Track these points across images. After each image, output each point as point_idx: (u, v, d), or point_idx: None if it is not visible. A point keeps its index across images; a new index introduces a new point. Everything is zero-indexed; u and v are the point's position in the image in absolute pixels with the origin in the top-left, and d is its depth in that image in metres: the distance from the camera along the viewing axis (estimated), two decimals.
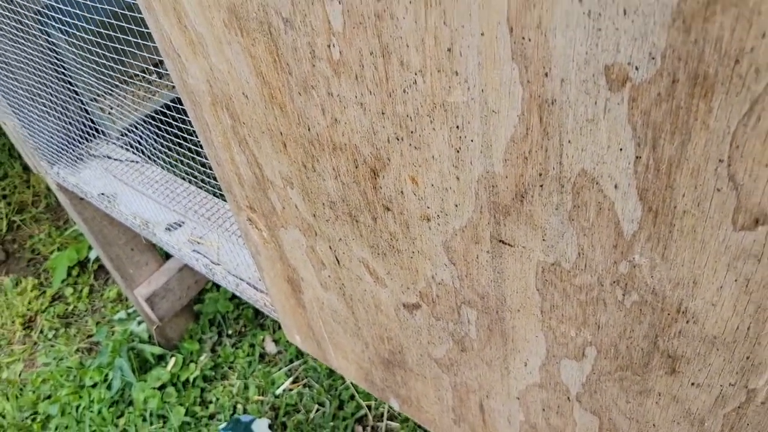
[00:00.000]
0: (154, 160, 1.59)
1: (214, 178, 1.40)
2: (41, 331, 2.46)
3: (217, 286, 2.40)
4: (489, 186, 0.59)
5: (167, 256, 2.22)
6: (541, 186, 0.54)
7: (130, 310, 2.43)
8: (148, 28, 1.12)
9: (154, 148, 1.59)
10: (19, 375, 2.37)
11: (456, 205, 0.64)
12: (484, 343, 0.79)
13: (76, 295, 2.55)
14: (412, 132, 0.60)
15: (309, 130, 0.71)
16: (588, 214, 0.54)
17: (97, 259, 2.61)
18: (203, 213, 1.45)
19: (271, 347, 2.24)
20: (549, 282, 0.63)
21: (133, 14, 1.16)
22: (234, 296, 2.39)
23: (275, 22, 0.62)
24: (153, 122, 1.67)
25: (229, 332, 2.30)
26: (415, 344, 0.90)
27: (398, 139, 0.62)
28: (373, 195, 0.72)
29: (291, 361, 2.17)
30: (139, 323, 2.37)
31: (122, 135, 1.66)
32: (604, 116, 0.46)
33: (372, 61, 0.57)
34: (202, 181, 1.47)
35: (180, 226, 1.43)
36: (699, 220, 0.47)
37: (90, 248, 2.63)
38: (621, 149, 0.47)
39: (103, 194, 1.56)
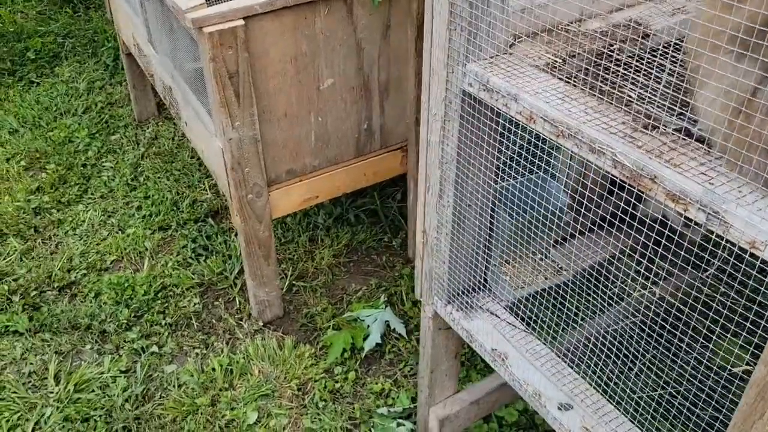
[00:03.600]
0: (538, 334, 1.91)
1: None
2: (312, 399, 2.81)
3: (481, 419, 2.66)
4: None
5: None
6: None
7: (392, 409, 2.75)
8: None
9: (543, 325, 1.92)
10: (284, 429, 2.72)
11: None
12: None
13: (342, 375, 2.91)
14: None
15: None
16: None
17: (368, 352, 2.97)
18: (589, 404, 1.73)
19: None
20: None
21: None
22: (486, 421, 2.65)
23: None
24: (546, 298, 2.01)
25: None
26: None
27: None
28: None
29: None
30: (399, 425, 2.67)
31: (514, 303, 2.00)
32: None
33: None
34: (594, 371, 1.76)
35: (570, 408, 1.72)
36: None
37: (365, 339, 3.00)
38: None
39: (495, 350, 1.88)
